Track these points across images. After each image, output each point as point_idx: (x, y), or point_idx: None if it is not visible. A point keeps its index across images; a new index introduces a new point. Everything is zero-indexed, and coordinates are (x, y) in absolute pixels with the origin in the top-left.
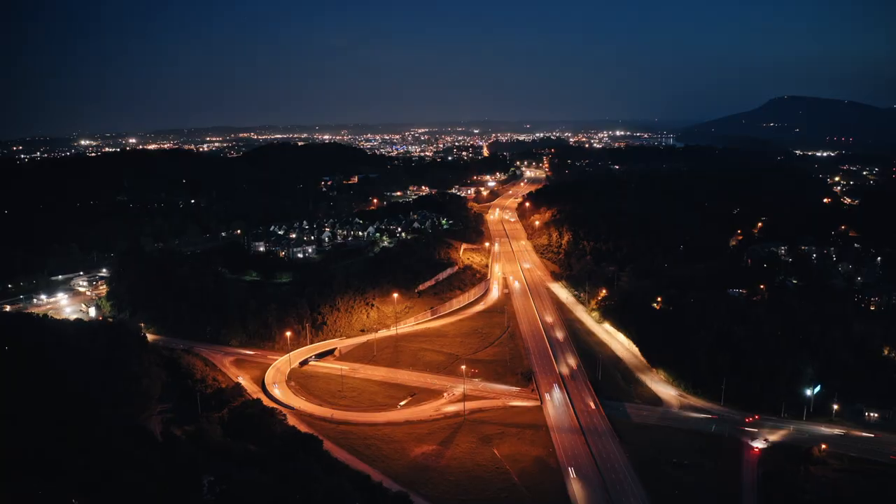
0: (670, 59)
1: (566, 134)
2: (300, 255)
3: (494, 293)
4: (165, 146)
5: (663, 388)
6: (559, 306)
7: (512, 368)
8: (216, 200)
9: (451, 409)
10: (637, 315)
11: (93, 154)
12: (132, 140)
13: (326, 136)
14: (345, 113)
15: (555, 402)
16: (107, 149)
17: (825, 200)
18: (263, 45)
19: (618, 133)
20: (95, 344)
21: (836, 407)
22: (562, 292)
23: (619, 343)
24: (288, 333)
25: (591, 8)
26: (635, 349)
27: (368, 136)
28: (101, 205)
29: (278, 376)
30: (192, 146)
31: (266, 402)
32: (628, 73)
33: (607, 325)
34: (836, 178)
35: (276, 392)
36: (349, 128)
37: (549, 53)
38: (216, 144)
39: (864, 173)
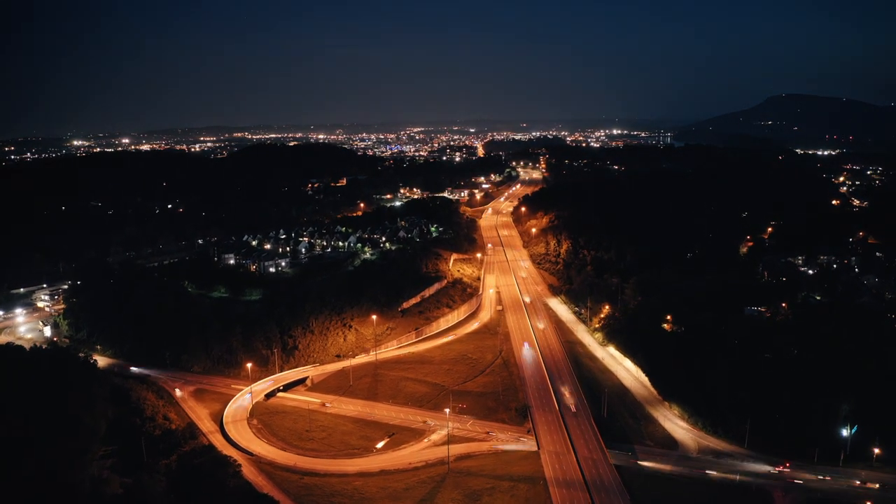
0: (667, 57)
1: (563, 133)
2: (272, 270)
3: (486, 311)
4: (158, 147)
5: (678, 427)
6: (558, 325)
7: (505, 402)
8: (195, 205)
9: (434, 454)
10: (645, 338)
11: (83, 154)
12: (125, 140)
13: (321, 136)
14: (341, 112)
15: (554, 446)
16: (98, 149)
17: (834, 202)
18: (262, 44)
19: (615, 132)
20: (33, 375)
21: (876, 451)
22: (561, 308)
23: (626, 370)
24: (249, 365)
25: (587, 7)
26: (644, 378)
27: (363, 135)
28: (71, 210)
29: (240, 412)
30: (185, 146)
31: (222, 445)
32: (625, 71)
33: (612, 349)
34: (842, 178)
35: (236, 433)
36: (344, 127)
37: (546, 52)
38: (209, 144)
39: (868, 173)
